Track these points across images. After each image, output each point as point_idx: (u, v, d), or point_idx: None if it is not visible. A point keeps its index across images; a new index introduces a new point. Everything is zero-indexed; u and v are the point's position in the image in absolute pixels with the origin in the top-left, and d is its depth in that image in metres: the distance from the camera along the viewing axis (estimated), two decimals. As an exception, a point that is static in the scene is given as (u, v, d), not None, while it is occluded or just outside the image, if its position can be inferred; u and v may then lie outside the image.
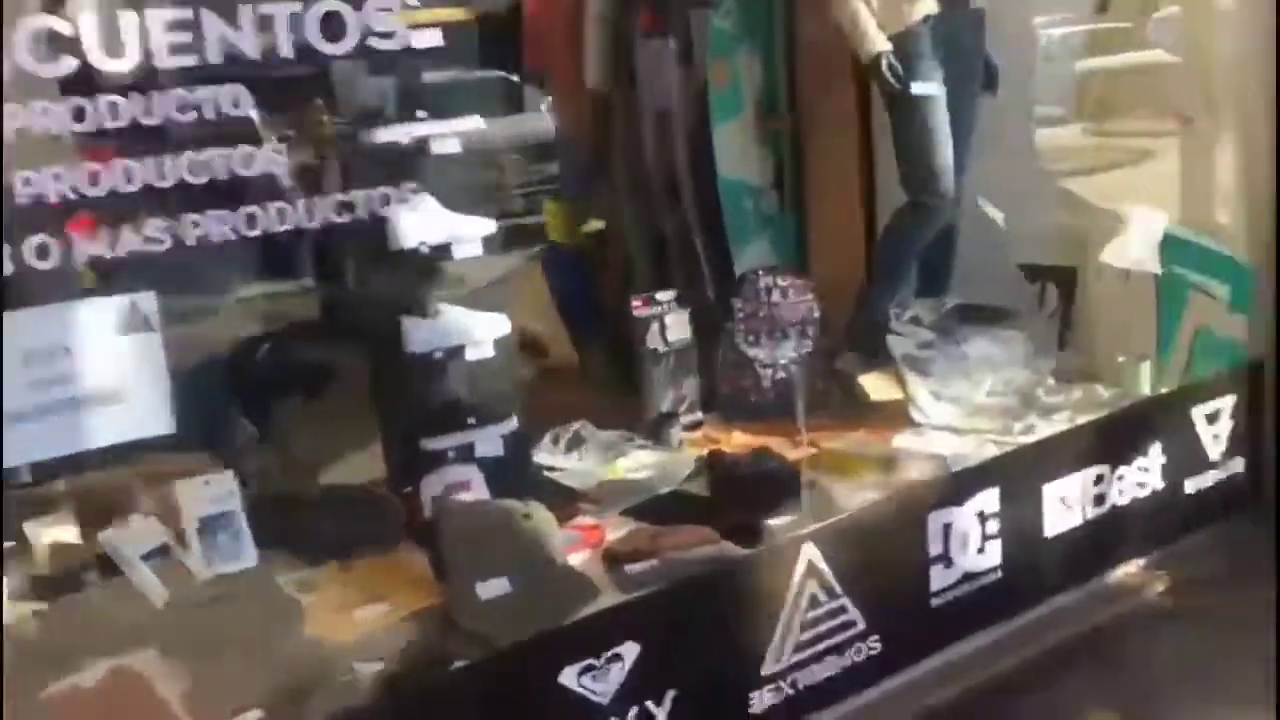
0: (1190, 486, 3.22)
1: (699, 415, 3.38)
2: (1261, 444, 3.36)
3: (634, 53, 3.83)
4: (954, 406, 3.21)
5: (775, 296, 3.38)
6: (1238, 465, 3.32)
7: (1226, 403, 3.27)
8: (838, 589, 2.49)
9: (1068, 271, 3.57)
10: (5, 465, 2.10)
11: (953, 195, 3.31)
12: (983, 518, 2.76)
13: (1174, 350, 3.41)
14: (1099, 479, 2.99)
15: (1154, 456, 3.12)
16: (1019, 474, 2.87)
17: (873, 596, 2.54)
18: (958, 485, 2.75)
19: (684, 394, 3.37)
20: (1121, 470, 3.04)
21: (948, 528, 2.72)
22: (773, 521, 2.63)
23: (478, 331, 2.77)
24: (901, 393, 3.19)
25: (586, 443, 3.18)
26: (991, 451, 2.93)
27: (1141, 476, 3.10)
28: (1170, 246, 3.36)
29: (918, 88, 3.22)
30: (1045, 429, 3.06)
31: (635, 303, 3.35)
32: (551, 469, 3.05)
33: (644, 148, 3.86)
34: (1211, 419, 3.24)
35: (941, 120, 3.27)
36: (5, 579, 2.29)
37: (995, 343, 3.46)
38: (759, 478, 2.82)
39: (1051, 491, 2.91)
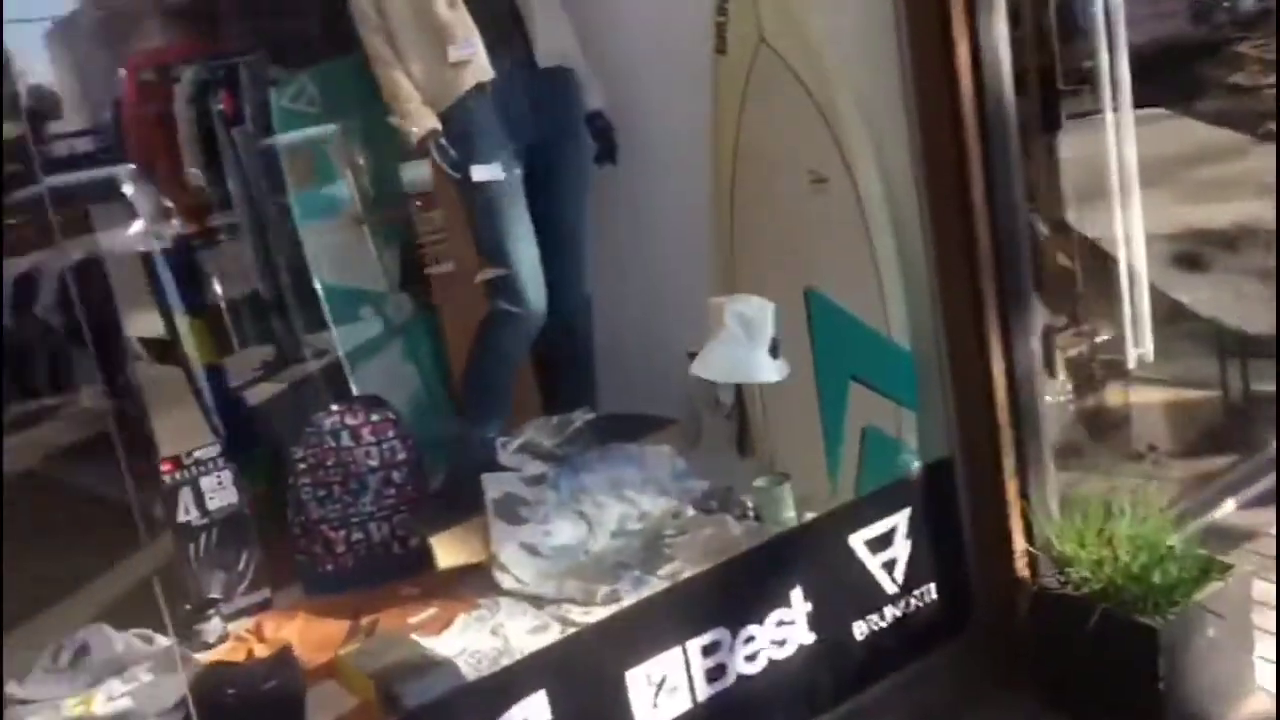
0: (860, 630, 2.63)
1: (264, 595, 2.78)
2: (961, 558, 2.77)
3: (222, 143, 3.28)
4: (548, 563, 2.61)
5: (345, 440, 2.78)
6: (928, 592, 2.73)
7: (898, 519, 2.69)
8: None
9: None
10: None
11: (541, 300, 2.72)
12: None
13: (844, 457, 2.83)
14: (710, 648, 2.39)
15: (796, 605, 2.52)
16: (587, 661, 2.25)
17: None
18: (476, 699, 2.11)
19: (240, 571, 2.77)
20: (749, 630, 2.45)
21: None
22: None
23: None
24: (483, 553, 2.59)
25: (89, 657, 2.56)
26: (553, 635, 2.32)
27: (780, 633, 2.50)
28: (820, 325, 2.78)
29: (478, 172, 2.63)
30: (651, 585, 2.48)
31: (163, 465, 2.75)
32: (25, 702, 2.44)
33: (246, 253, 3.29)
34: (879, 544, 2.64)
35: (514, 210, 2.67)
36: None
37: (632, 464, 2.86)
38: (248, 705, 2.20)
39: (638, 676, 2.31)
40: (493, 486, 2.65)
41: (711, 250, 2.95)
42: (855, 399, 2.72)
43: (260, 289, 3.26)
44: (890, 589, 2.63)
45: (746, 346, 2.35)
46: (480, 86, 2.65)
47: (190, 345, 3.37)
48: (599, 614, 2.38)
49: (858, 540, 2.58)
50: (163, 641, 2.53)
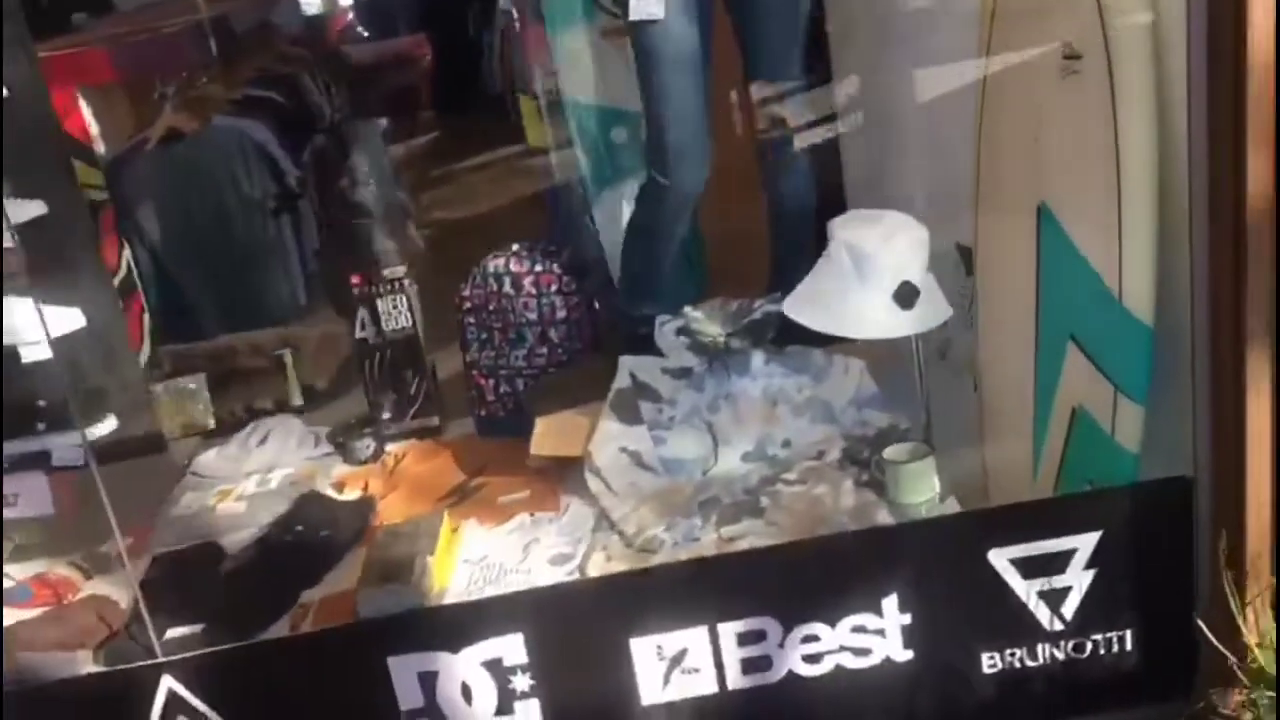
0: (990, 663, 1.99)
1: (433, 421, 2.74)
2: (1187, 610, 1.95)
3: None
4: (650, 476, 2.24)
5: (507, 286, 2.57)
6: (1118, 641, 1.98)
7: (1080, 543, 1.94)
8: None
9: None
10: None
11: (693, 175, 2.19)
12: (499, 670, 1.93)
13: (1048, 440, 2.07)
14: (749, 636, 1.94)
15: (889, 614, 1.95)
16: (583, 615, 1.92)
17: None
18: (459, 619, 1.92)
19: (412, 395, 2.74)
20: (810, 628, 1.95)
21: (428, 678, 1.96)
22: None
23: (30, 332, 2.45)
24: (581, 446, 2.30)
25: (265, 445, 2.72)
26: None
27: (859, 640, 1.96)
28: (1049, 255, 1.98)
29: (635, 8, 2.12)
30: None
31: (353, 279, 2.74)
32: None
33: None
34: (1038, 567, 1.92)
35: (678, 62, 2.14)
36: None
37: (805, 374, 2.34)
38: (280, 552, 2.22)
39: (646, 646, 1.96)
40: (624, 372, 2.35)
41: (961, 136, 2.21)
42: (1071, 367, 1.96)
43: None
44: (1049, 624, 1.96)
45: (856, 286, 1.76)
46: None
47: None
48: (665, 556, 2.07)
49: (1002, 556, 1.93)
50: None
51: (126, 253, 3.52)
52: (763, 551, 1.96)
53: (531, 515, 2.22)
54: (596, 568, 1.99)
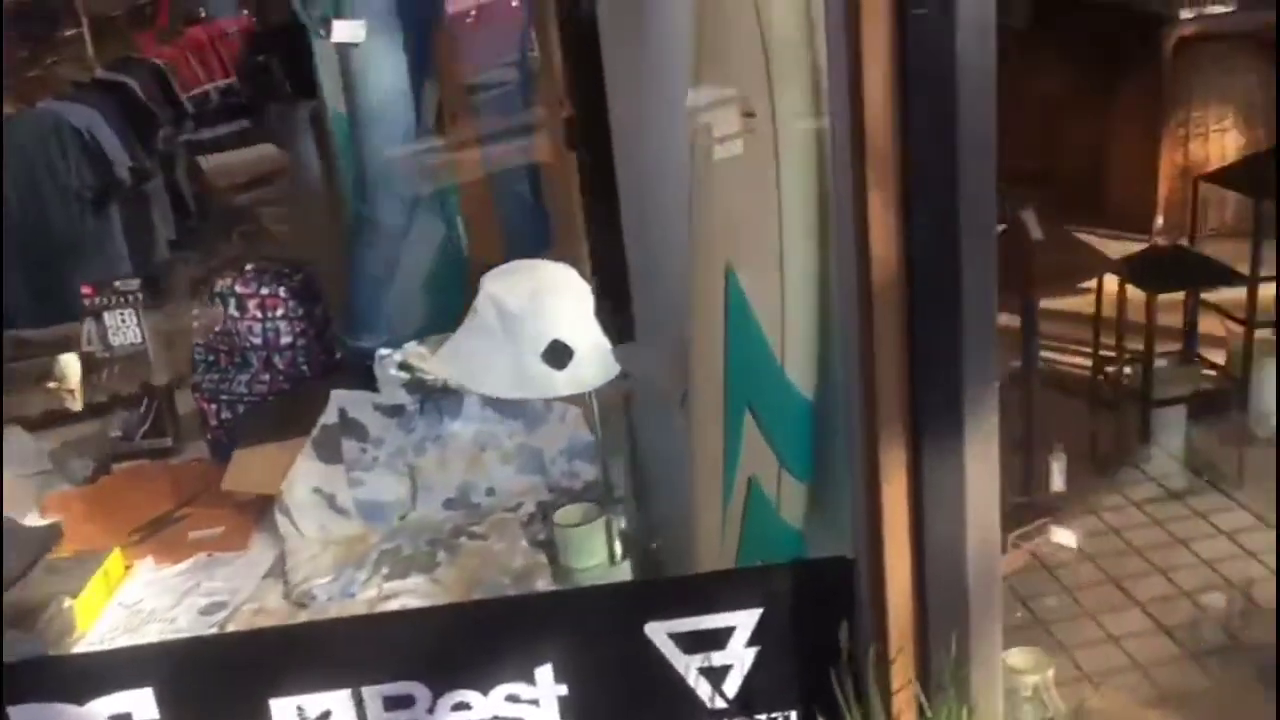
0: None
1: (164, 442, 2.63)
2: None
3: None
4: (342, 520, 2.15)
5: (233, 308, 2.46)
6: (786, 720, 1.92)
7: (739, 620, 1.87)
8: None
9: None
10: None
11: (397, 203, 2.11)
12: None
13: (729, 510, 2.00)
14: (398, 701, 1.85)
15: (543, 684, 1.87)
16: (214, 672, 1.80)
17: None
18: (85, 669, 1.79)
19: (142, 414, 2.63)
20: (462, 694, 1.86)
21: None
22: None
23: None
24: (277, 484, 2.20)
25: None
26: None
27: (514, 710, 1.88)
28: (735, 319, 1.90)
29: (337, 31, 2.03)
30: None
31: (84, 289, 2.62)
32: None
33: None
34: (698, 642, 1.85)
35: (379, 88, 2.05)
36: None
37: (519, 420, 2.25)
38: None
39: (286, 706, 1.86)
40: (334, 406, 2.24)
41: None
42: (749, 436, 1.89)
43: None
44: (711, 702, 1.89)
45: (503, 343, 1.67)
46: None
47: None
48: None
49: (661, 630, 1.85)
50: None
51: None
52: (412, 614, 1.87)
53: (209, 555, 2.12)
54: (244, 620, 1.89)
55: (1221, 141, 4.51)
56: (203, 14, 5.23)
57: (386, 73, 2.04)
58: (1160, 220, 4.68)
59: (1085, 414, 3.04)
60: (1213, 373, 3.24)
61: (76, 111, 4.24)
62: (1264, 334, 3.26)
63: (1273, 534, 2.76)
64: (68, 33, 5.40)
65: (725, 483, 1.98)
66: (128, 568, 2.10)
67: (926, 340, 1.55)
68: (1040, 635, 2.47)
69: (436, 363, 1.81)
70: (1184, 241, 3.84)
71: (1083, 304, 3.37)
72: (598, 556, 1.89)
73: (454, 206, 2.25)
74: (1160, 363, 3.07)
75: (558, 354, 1.70)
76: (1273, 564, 2.62)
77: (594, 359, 1.79)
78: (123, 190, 4.31)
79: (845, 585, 1.85)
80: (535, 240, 2.29)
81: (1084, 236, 4.54)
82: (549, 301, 1.71)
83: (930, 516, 1.65)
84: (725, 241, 1.90)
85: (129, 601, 1.99)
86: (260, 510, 2.26)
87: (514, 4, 2.28)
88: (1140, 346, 3.06)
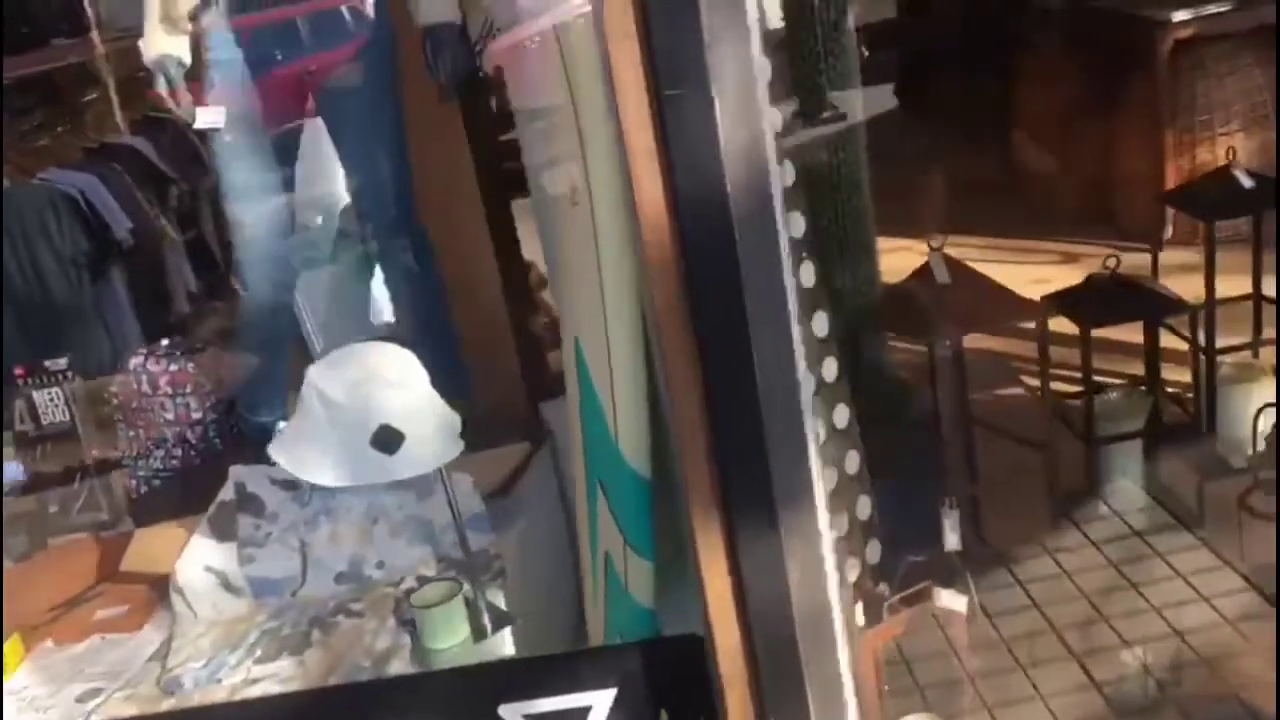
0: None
1: (101, 517, 2.68)
2: None
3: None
4: (233, 599, 2.16)
5: (145, 385, 2.50)
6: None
7: (595, 700, 1.81)
8: None
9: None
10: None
11: (268, 280, 2.11)
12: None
13: (593, 587, 1.95)
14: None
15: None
16: None
17: None
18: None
19: (75, 490, 2.68)
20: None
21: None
22: None
23: None
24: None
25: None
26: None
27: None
28: (585, 391, 1.85)
29: (201, 117, 2.04)
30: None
31: (18, 370, 2.69)
32: None
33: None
34: (555, 723, 1.82)
35: (242, 170, 2.06)
36: None
37: (409, 492, 2.23)
38: None
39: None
40: (231, 482, 2.26)
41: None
42: (601, 512, 1.85)
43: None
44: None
45: (329, 432, 1.66)
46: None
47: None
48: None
49: (515, 712, 1.81)
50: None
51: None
52: (258, 702, 1.86)
53: (104, 638, 2.16)
54: (113, 707, 1.92)
55: (1229, 144, 4.32)
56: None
57: (254, 154, 2.07)
58: (1170, 230, 4.51)
59: (1028, 455, 2.92)
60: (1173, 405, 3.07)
61: (72, 179, 4.37)
62: (1241, 357, 3.11)
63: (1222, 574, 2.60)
64: (86, 98, 5.57)
65: (591, 558, 1.96)
66: (26, 653, 2.15)
67: (727, 422, 1.50)
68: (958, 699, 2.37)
69: (274, 450, 1.82)
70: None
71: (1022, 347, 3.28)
72: (457, 635, 1.87)
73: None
74: (1111, 395, 2.94)
75: (386, 439, 1.70)
76: (1225, 609, 2.48)
77: (436, 438, 1.78)
78: (124, 253, 4.42)
79: (698, 662, 1.81)
80: (425, 309, 2.30)
81: (1087, 248, 4.42)
82: (374, 390, 1.71)
83: (753, 594, 1.60)
84: (570, 311, 1.88)
85: (16, 688, 2.04)
86: (162, 591, 2.30)
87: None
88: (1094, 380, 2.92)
